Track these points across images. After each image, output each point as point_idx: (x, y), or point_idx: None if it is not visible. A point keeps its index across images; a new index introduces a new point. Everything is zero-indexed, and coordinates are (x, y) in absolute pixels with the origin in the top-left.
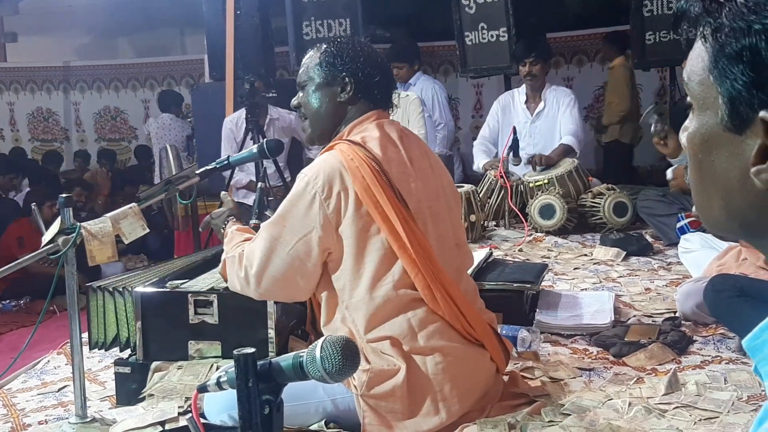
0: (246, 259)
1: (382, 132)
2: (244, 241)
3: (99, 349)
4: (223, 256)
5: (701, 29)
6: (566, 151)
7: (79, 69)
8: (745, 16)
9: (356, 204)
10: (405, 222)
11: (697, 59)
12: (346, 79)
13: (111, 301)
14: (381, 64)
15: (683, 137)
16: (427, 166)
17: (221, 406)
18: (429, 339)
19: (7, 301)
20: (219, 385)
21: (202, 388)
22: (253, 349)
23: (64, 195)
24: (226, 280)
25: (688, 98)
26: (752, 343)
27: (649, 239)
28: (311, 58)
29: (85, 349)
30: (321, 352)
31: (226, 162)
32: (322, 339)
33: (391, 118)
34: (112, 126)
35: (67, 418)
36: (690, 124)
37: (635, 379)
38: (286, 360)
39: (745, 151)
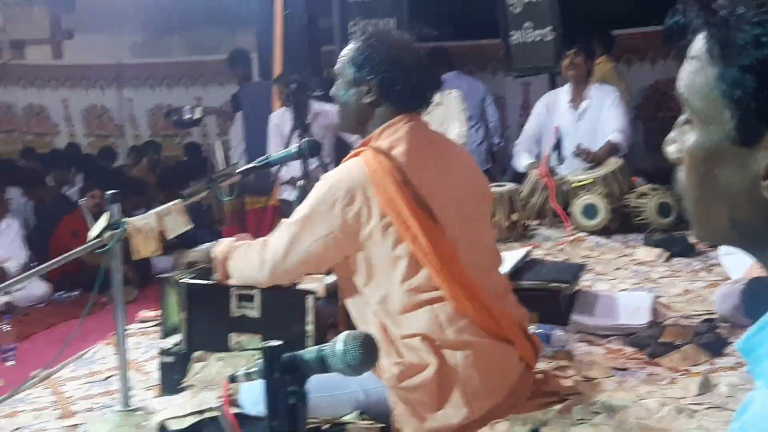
0: (266, 250)
1: (410, 136)
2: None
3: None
4: (223, 249)
5: (705, 44)
6: (613, 148)
7: (132, 66)
8: (752, 29)
9: (380, 214)
10: (429, 231)
11: (697, 74)
12: (372, 83)
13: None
14: (415, 66)
15: (671, 150)
16: (457, 168)
17: (257, 397)
18: (458, 334)
19: (61, 292)
20: (248, 376)
21: (233, 379)
22: (280, 342)
23: (111, 191)
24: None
25: (685, 113)
26: (746, 344)
27: (693, 240)
28: (347, 52)
29: (131, 339)
30: (342, 346)
31: (266, 161)
32: (344, 333)
33: (431, 114)
34: (165, 122)
35: (112, 407)
36: (682, 137)
37: (668, 379)
38: (310, 353)
39: (752, 164)
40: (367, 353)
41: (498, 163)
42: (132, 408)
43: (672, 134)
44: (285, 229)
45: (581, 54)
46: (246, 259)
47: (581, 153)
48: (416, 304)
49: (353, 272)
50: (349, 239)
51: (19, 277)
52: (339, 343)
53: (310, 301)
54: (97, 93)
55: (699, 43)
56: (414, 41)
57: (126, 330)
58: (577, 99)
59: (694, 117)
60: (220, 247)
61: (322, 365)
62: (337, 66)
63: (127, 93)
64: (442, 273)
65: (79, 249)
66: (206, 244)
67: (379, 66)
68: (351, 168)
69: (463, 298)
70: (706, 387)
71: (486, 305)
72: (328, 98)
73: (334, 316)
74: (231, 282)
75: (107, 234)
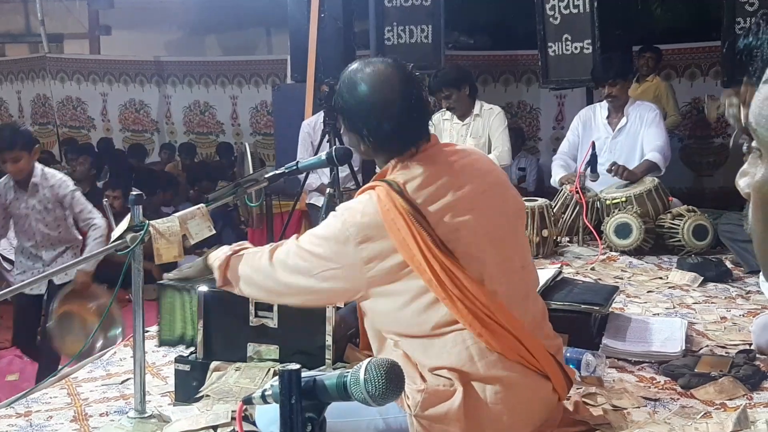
0: (277, 261)
1: (425, 168)
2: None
3: (167, 346)
4: (220, 256)
5: None
6: (650, 167)
7: (172, 63)
8: None
9: (393, 253)
10: (446, 271)
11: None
12: (364, 132)
13: (180, 299)
14: (401, 103)
15: (743, 183)
16: (485, 190)
17: (273, 416)
18: (489, 368)
19: None
20: (264, 398)
21: (247, 401)
22: (298, 366)
23: (134, 192)
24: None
25: (753, 143)
26: None
27: (729, 265)
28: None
29: (151, 343)
30: (365, 374)
31: (295, 167)
32: (367, 360)
33: (468, 126)
34: (200, 120)
35: (126, 413)
36: (752, 169)
37: (702, 413)
38: (330, 379)
39: None
40: (390, 384)
41: None
42: (146, 415)
43: (745, 166)
44: (295, 252)
45: (618, 82)
46: (253, 265)
47: (617, 170)
48: (445, 343)
49: (370, 305)
50: (360, 276)
51: (44, 274)
52: (361, 370)
53: (329, 312)
54: (136, 88)
55: None
56: (399, 66)
57: (146, 331)
58: (614, 115)
59: (763, 149)
60: (217, 253)
61: (343, 393)
62: None
63: (166, 89)
64: (462, 313)
65: (101, 249)
66: (198, 259)
67: (363, 121)
68: (365, 205)
69: (489, 335)
70: (743, 423)
71: (519, 338)
72: None
73: (354, 327)
74: (233, 290)
75: (129, 236)
